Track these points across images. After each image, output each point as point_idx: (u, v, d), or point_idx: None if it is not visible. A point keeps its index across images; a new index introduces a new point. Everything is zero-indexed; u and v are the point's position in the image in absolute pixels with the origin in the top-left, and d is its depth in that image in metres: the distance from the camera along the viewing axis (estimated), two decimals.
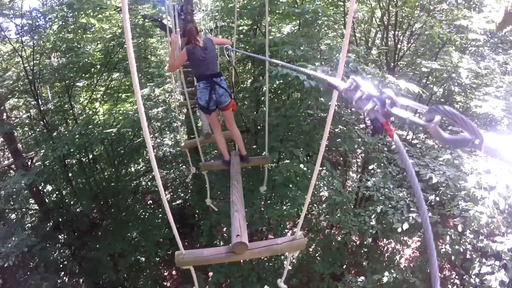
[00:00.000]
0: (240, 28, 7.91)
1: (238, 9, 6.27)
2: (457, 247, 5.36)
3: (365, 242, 7.79)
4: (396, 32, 8.06)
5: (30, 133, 10.37)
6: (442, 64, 6.64)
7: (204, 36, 9.96)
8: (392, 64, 8.11)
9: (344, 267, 7.71)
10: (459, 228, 4.61)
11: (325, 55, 5.79)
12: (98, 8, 7.55)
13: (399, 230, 5.04)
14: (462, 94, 7.65)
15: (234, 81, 4.85)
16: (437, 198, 5.31)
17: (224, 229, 9.09)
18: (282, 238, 2.61)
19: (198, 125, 7.38)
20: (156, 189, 11.17)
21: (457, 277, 7.07)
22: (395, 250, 8.04)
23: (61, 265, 9.12)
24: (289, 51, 4.59)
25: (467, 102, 7.63)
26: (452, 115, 0.65)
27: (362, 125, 7.42)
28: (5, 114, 9.25)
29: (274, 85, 6.58)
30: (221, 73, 3.76)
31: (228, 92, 3.71)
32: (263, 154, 4.21)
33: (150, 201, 11.79)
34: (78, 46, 8.21)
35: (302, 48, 5.01)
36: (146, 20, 8.22)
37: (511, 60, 7.72)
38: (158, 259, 9.98)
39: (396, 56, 8.17)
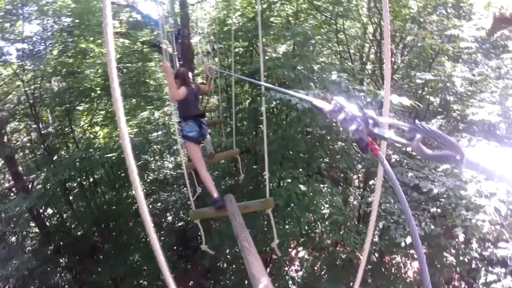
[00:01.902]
0: (236, 50, 8.06)
1: (233, 32, 6.42)
2: (462, 257, 5.29)
3: (369, 259, 7.70)
4: (389, 46, 8.17)
5: (30, 157, 10.40)
6: (436, 74, 6.73)
7: (201, 59, 10.19)
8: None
9: (351, 284, 7.57)
10: (461, 238, 4.56)
11: (317, 75, 5.88)
12: (98, 34, 7.72)
13: (403, 244, 4.99)
14: (459, 103, 7.71)
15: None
16: (439, 210, 5.28)
17: (227, 251, 8.98)
18: None
19: None
20: (158, 211, 11.09)
21: (466, 287, 6.95)
22: (400, 265, 7.93)
23: None
24: (284, 72, 4.68)
25: (463, 110, 7.68)
26: (431, 133, 0.68)
27: None
28: (6, 137, 9.30)
29: (272, 105, 6.65)
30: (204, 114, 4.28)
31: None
32: (266, 197, 3.65)
33: (152, 224, 11.70)
34: (78, 70, 8.34)
35: (296, 69, 5.09)
36: (145, 46, 8.38)
37: (504, 65, 7.80)
38: (161, 283, 9.83)
39: (391, 70, 8.26)
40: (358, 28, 9.21)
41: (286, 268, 8.98)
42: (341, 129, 6.14)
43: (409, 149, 7.88)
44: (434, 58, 7.80)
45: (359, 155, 6.13)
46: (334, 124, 6.03)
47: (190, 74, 4.24)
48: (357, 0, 7.54)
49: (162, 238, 10.13)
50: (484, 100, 6.51)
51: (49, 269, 8.53)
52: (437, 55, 7.70)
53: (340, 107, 0.81)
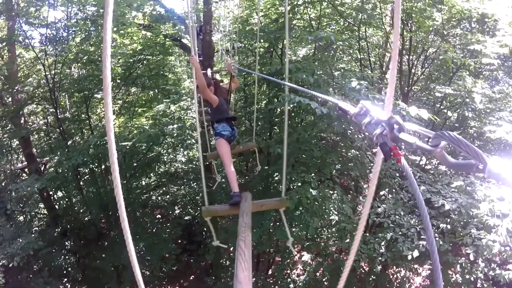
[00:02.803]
0: (257, 50, 8.10)
1: (255, 32, 6.45)
2: (467, 276, 5.20)
3: (374, 270, 7.61)
4: (410, 57, 8.10)
5: (45, 139, 10.58)
6: (456, 89, 6.63)
7: (221, 56, 10.27)
8: (406, 89, 8.12)
9: None
10: (471, 257, 4.49)
11: (337, 81, 5.86)
12: (121, 25, 7.83)
13: (409, 257, 4.94)
14: (477, 119, 7.59)
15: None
16: (448, 226, 5.21)
17: (231, 249, 9.00)
18: None
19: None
20: (166, 204, 11.18)
21: None
22: (404, 279, 7.82)
23: (65, 272, 9.17)
24: (303, 76, 4.68)
25: (481, 127, 7.55)
26: (456, 141, 0.68)
27: (375, 150, 7.36)
28: (23, 118, 9.52)
29: (289, 108, 6.64)
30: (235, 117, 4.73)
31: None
32: (282, 196, 3.81)
33: (159, 216, 11.81)
34: (99, 59, 8.47)
35: (316, 73, 5.08)
36: (167, 40, 8.46)
37: None
38: (162, 274, 9.91)
39: (410, 81, 8.19)
40: (380, 37, 9.13)
41: (289, 271, 8.95)
42: (356, 136, 6.12)
43: (422, 162, 7.80)
44: (455, 72, 7.69)
45: (372, 164, 6.08)
46: (349, 132, 6.00)
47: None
48: (381, 8, 7.48)
49: (168, 230, 10.21)
50: (503, 119, 6.39)
51: (54, 251, 8.68)
52: (458, 70, 7.59)
53: (366, 111, 0.82)
